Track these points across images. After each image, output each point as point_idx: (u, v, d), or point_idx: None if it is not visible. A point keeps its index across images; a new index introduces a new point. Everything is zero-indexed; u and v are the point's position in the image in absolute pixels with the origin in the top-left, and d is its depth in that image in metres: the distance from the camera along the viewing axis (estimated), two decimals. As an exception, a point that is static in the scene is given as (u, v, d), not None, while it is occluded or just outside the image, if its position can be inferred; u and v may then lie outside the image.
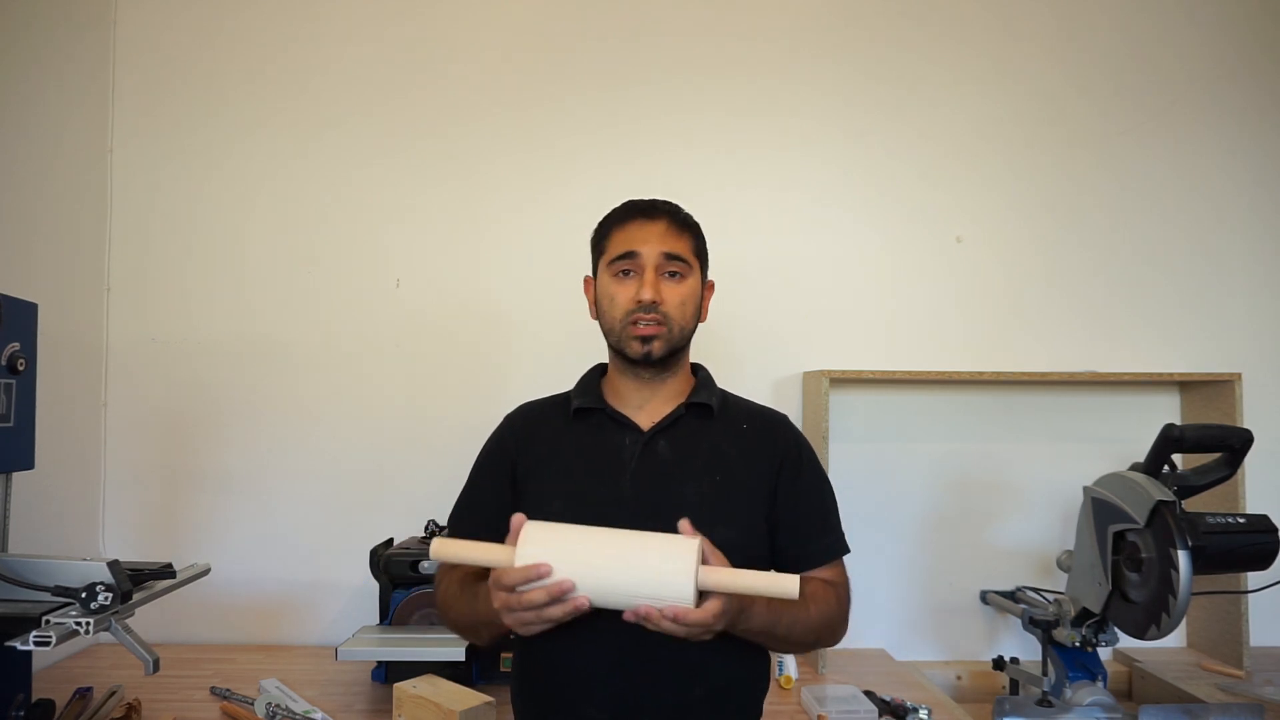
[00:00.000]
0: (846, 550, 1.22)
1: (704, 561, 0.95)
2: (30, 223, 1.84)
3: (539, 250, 2.11)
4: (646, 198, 1.24)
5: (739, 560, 1.12)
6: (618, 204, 1.24)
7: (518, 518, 0.98)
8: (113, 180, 2.09)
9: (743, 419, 1.24)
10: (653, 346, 1.15)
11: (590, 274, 1.26)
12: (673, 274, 1.17)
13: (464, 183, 2.12)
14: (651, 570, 0.92)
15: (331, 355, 2.09)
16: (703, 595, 0.94)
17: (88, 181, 2.04)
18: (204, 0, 2.12)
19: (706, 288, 1.25)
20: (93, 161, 2.05)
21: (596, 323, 1.23)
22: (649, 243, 1.16)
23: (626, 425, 1.19)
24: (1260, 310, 2.18)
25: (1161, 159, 2.20)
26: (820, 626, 1.14)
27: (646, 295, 1.13)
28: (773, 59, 2.17)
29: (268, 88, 2.11)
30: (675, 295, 1.16)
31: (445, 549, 0.97)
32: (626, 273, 1.17)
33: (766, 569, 1.18)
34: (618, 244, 1.18)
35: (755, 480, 1.18)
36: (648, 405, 1.20)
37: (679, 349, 1.19)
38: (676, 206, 1.22)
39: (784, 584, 0.93)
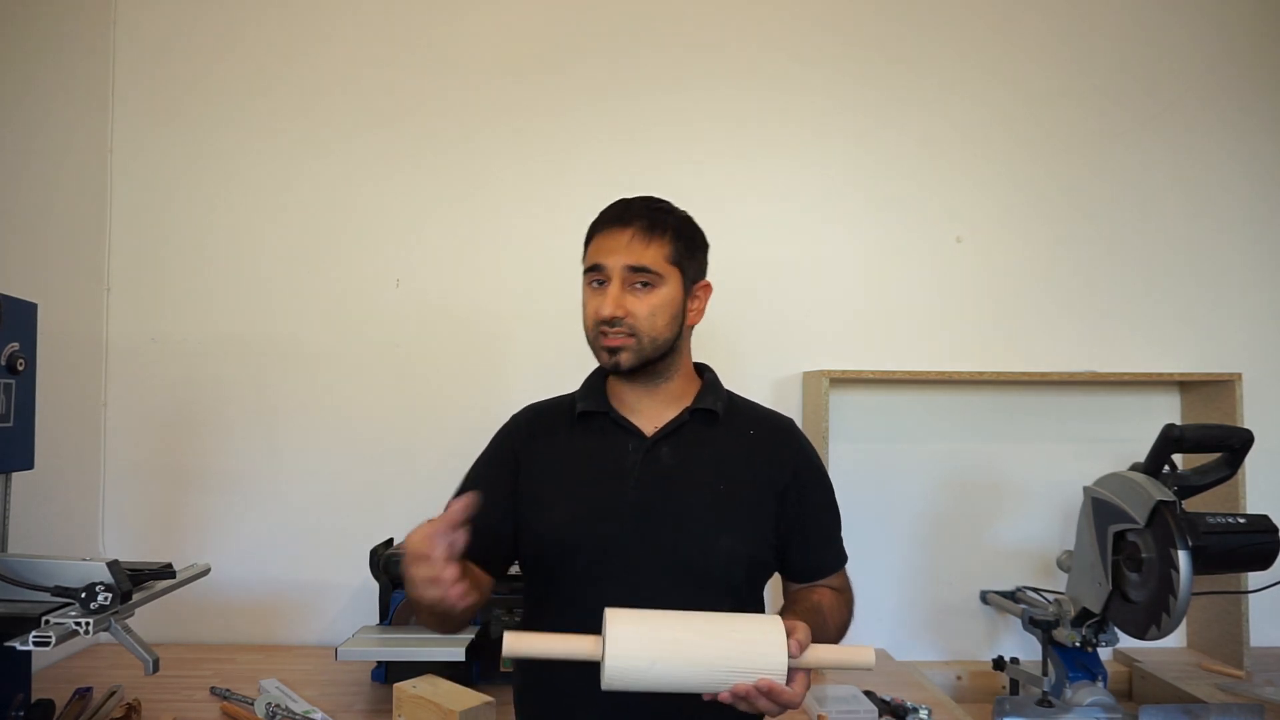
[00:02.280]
0: (847, 558, 1.25)
1: None
2: (30, 223, 1.84)
3: (540, 252, 2.11)
4: (628, 198, 1.20)
5: (743, 570, 1.14)
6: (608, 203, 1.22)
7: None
8: (113, 180, 2.09)
9: (749, 424, 1.22)
10: (620, 358, 1.13)
11: None
12: (643, 284, 1.13)
13: (465, 184, 2.12)
14: (744, 644, 0.91)
15: (332, 355, 2.09)
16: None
17: (88, 181, 2.04)
18: (204, 1, 2.12)
19: (701, 286, 1.21)
20: (93, 161, 2.05)
21: None
22: (614, 254, 1.13)
23: (630, 431, 1.18)
24: (1260, 310, 2.18)
25: (1160, 160, 2.19)
26: (838, 637, 1.17)
27: (605, 311, 1.12)
28: (772, 62, 2.16)
29: (267, 88, 2.11)
30: (644, 307, 1.12)
31: (520, 644, 0.93)
32: (599, 283, 1.15)
33: (770, 576, 1.20)
34: (590, 254, 1.17)
35: (761, 488, 1.17)
36: (649, 409, 1.19)
37: (653, 359, 1.15)
38: (653, 210, 1.17)
39: (861, 656, 0.95)
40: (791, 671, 0.92)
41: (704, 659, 0.91)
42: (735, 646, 0.91)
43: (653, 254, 1.13)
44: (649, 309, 1.13)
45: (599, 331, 1.14)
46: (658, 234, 1.15)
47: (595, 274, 1.15)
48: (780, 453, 1.20)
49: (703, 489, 1.14)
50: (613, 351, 1.13)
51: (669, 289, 1.15)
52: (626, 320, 1.12)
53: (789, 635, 0.92)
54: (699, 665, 0.90)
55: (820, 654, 0.94)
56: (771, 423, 1.25)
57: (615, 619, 0.92)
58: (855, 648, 0.97)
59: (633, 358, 1.13)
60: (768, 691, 0.90)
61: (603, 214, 1.20)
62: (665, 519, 1.11)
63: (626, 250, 1.13)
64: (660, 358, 1.16)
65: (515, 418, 1.27)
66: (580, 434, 1.19)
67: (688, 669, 0.90)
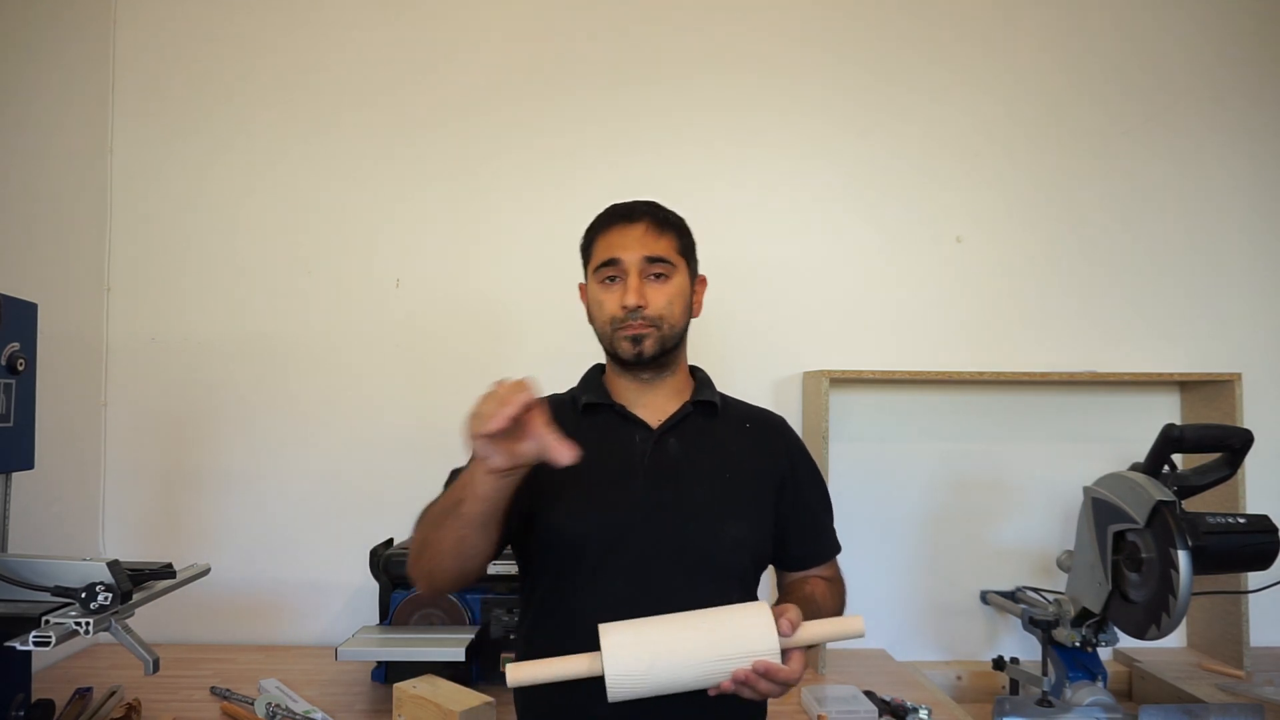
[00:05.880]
0: (840, 548, 1.27)
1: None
2: (30, 223, 1.84)
3: (539, 249, 2.11)
4: (628, 200, 1.23)
5: (749, 557, 1.17)
6: (603, 209, 1.24)
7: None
8: (113, 180, 2.09)
9: (744, 418, 1.26)
10: (643, 346, 1.16)
11: (583, 280, 1.26)
12: (657, 275, 1.17)
13: (463, 182, 2.12)
14: (736, 632, 0.94)
15: (332, 355, 2.09)
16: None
17: (88, 181, 2.04)
18: (205, 1, 2.12)
19: (698, 282, 1.26)
20: (93, 161, 2.05)
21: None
22: (630, 249, 1.16)
23: (635, 423, 1.19)
24: (1260, 310, 2.18)
25: (1162, 158, 2.19)
26: None
27: (630, 300, 1.14)
28: (773, 58, 2.17)
29: (267, 87, 2.11)
30: (661, 296, 1.17)
31: (522, 673, 0.94)
32: (612, 279, 1.18)
33: (767, 566, 1.21)
34: (601, 251, 1.19)
35: (761, 478, 1.20)
36: (651, 403, 1.21)
37: (672, 346, 1.19)
38: (656, 206, 1.23)
39: (851, 626, 0.99)
40: (787, 652, 0.95)
41: (699, 654, 0.93)
42: (727, 635, 0.94)
43: (665, 245, 1.18)
44: (666, 298, 1.17)
45: (619, 324, 1.16)
46: (666, 227, 1.20)
47: (610, 269, 1.17)
48: (776, 445, 1.24)
49: (710, 478, 1.16)
50: (636, 340, 1.15)
51: (681, 279, 1.20)
52: (645, 311, 1.15)
53: (780, 616, 0.95)
54: (695, 660, 0.93)
55: (812, 630, 0.98)
56: (764, 417, 1.29)
57: (608, 631, 0.94)
58: (845, 619, 1.00)
59: (655, 345, 1.16)
60: (765, 672, 0.92)
61: (605, 214, 1.23)
62: (676, 508, 1.13)
63: (641, 243, 1.17)
64: (673, 348, 1.19)
65: None
66: (586, 427, 1.19)
67: (685, 666, 0.93)
